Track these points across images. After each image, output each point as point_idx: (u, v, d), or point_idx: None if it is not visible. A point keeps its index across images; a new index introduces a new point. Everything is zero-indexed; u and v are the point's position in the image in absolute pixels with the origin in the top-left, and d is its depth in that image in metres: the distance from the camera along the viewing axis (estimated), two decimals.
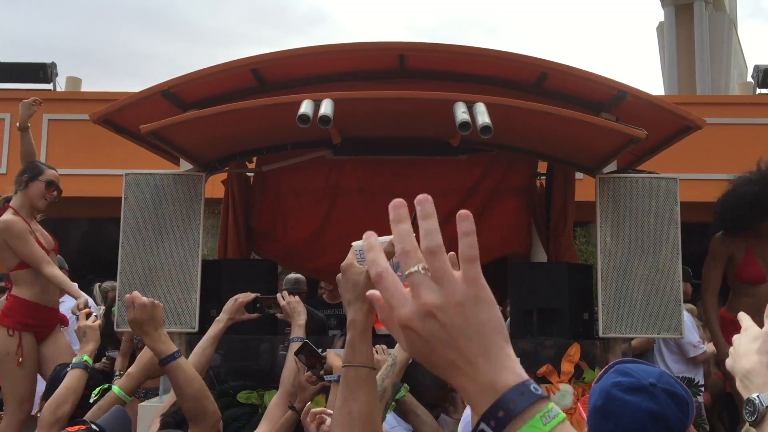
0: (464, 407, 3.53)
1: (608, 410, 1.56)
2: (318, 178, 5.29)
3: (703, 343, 5.27)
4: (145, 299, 2.30)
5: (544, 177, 5.42)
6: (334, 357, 2.95)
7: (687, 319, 5.51)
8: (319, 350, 3.05)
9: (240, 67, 4.03)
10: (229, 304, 3.31)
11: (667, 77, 13.86)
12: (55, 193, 4.52)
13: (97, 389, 2.79)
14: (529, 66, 4.09)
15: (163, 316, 2.38)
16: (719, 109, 9.37)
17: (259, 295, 3.45)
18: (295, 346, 3.16)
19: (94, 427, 2.18)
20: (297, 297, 3.44)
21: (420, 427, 2.95)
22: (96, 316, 3.01)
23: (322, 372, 3.00)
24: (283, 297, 3.42)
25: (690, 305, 5.93)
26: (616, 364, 1.67)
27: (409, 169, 5.32)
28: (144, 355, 2.70)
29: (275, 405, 2.96)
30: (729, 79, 13.41)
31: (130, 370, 2.72)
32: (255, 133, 4.14)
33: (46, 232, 4.60)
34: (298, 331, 3.25)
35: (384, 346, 3.10)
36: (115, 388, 2.66)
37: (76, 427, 2.19)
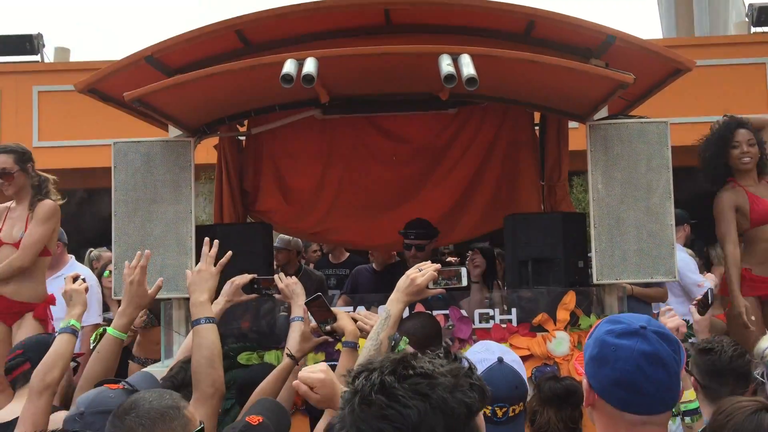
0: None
1: (603, 357, 1.60)
2: (310, 138, 5.27)
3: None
4: (205, 267, 2.62)
5: (538, 127, 5.39)
6: (347, 320, 2.98)
7: (689, 260, 5.54)
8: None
9: (223, 29, 3.98)
10: (226, 287, 3.33)
11: (665, 21, 13.67)
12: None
13: (93, 335, 2.86)
14: (516, 15, 4.03)
15: (213, 285, 2.64)
16: (714, 50, 9.27)
17: (255, 276, 3.46)
18: (297, 326, 3.19)
19: (127, 386, 2.38)
20: (294, 278, 3.44)
21: None
22: (83, 279, 3.01)
23: (328, 328, 3.04)
24: (281, 279, 3.43)
25: (689, 250, 5.96)
26: (608, 317, 1.71)
27: (401, 126, 5.30)
28: (129, 291, 2.74)
29: None
30: (728, 20, 13.23)
31: (120, 308, 2.76)
32: (242, 96, 4.11)
33: (20, 224, 4.43)
34: (298, 311, 3.28)
35: (367, 312, 3.14)
36: (109, 329, 2.70)
37: (115, 386, 2.37)
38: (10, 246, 4.42)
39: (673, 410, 2.37)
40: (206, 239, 2.71)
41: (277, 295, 3.49)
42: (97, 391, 2.31)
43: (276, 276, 3.48)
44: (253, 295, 3.46)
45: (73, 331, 2.79)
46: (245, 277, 3.44)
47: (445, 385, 1.29)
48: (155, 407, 1.95)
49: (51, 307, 4.63)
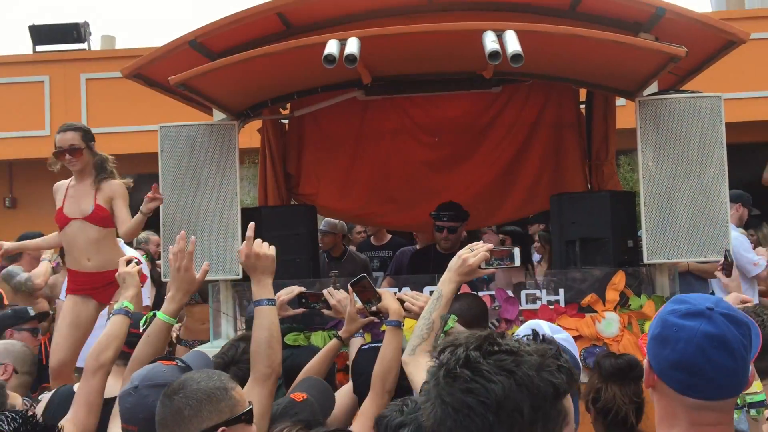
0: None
1: (665, 336, 1.53)
2: (352, 121, 5.26)
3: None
4: (268, 251, 2.63)
5: (584, 105, 5.28)
6: (391, 299, 2.98)
7: (742, 238, 5.38)
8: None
9: (265, 12, 3.97)
10: None
11: None
12: (67, 157, 4.51)
13: (143, 318, 2.88)
14: None
15: (272, 267, 2.64)
16: (765, 23, 8.94)
17: (304, 290, 3.44)
18: (356, 342, 3.19)
19: (180, 363, 2.41)
20: (344, 293, 3.33)
21: None
22: (136, 262, 3.06)
23: (374, 308, 3.05)
24: (331, 294, 3.37)
25: (742, 229, 5.79)
26: (675, 297, 1.64)
27: (444, 105, 5.24)
28: (177, 278, 2.76)
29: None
30: None
31: (169, 294, 2.78)
32: (284, 79, 4.11)
33: (88, 198, 4.50)
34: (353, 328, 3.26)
35: (414, 292, 3.12)
36: (159, 314, 2.73)
37: (169, 362, 2.40)
38: (78, 220, 4.53)
39: (738, 401, 2.28)
40: (251, 224, 2.71)
41: (326, 311, 3.45)
42: (150, 367, 2.35)
43: (325, 291, 3.42)
44: (300, 310, 3.44)
45: (127, 313, 2.84)
46: (293, 291, 3.41)
47: (530, 363, 1.27)
48: (203, 388, 1.97)
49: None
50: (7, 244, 4.88)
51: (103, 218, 4.47)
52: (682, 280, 4.56)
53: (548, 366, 1.30)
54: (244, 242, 2.63)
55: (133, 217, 4.35)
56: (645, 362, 1.61)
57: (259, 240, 2.64)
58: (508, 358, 1.27)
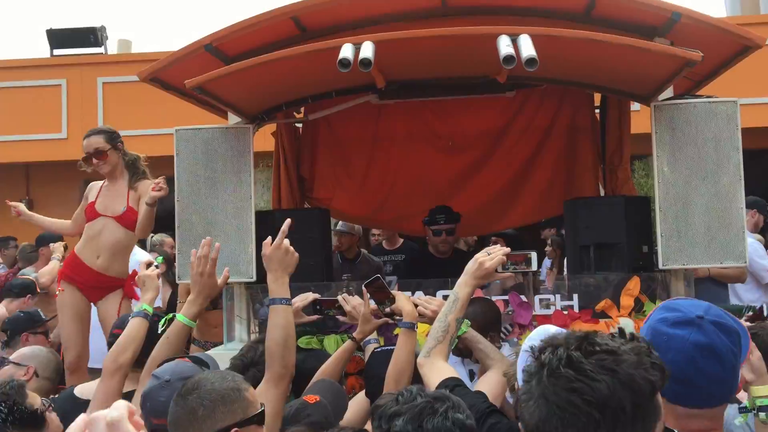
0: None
1: (655, 346, 1.52)
2: (366, 125, 5.27)
3: None
4: (289, 247, 2.64)
5: (598, 110, 5.26)
6: (405, 301, 2.99)
7: (757, 245, 5.34)
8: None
9: (280, 16, 4.00)
10: None
11: None
12: (94, 161, 4.56)
13: (163, 320, 2.90)
14: None
15: (293, 265, 2.66)
16: None
17: (318, 296, 3.44)
18: (370, 348, 3.20)
19: (197, 360, 2.49)
20: (359, 298, 3.35)
21: (484, 359, 2.96)
22: (156, 266, 3.09)
23: (387, 309, 3.05)
24: (346, 300, 3.38)
25: (758, 235, 5.75)
26: (665, 303, 1.64)
27: (458, 110, 5.24)
28: (200, 282, 2.77)
29: None
30: None
31: (190, 297, 2.80)
32: (299, 82, 4.13)
33: (122, 199, 4.58)
34: (371, 334, 3.29)
35: (427, 296, 3.12)
36: (179, 316, 2.76)
37: (186, 360, 2.50)
38: (108, 218, 4.57)
39: (746, 404, 2.26)
40: (287, 220, 2.72)
41: (341, 317, 3.45)
42: (174, 363, 2.40)
43: (340, 297, 3.42)
44: (315, 317, 3.44)
45: (146, 315, 2.88)
46: (307, 298, 3.41)
47: (629, 362, 1.30)
48: (217, 389, 1.98)
49: None
50: (22, 208, 4.98)
51: (133, 221, 4.52)
52: (702, 286, 4.53)
53: (644, 364, 1.33)
54: (278, 235, 2.62)
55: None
56: None
57: (287, 239, 2.65)
58: (609, 357, 1.30)
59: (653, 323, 1.57)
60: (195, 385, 2.00)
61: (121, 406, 0.98)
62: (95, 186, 4.74)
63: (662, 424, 1.40)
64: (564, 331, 1.45)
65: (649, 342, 1.42)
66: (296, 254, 2.66)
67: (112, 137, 4.61)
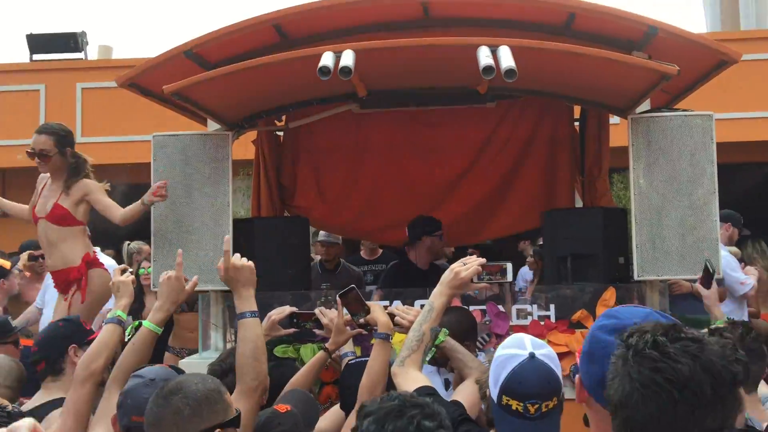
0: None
1: (593, 353, 1.55)
2: (347, 133, 5.27)
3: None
4: (246, 263, 2.64)
5: (578, 122, 5.31)
6: (380, 312, 2.98)
7: (730, 258, 5.39)
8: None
9: (261, 23, 3.99)
10: (264, 322, 3.26)
11: (710, 15, 13.35)
12: (36, 159, 4.51)
13: (129, 328, 2.88)
14: (556, 7, 3.98)
15: (252, 278, 2.64)
16: (761, 44, 9.01)
17: (295, 310, 3.42)
18: (346, 361, 3.18)
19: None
20: (335, 311, 3.28)
21: (462, 368, 2.95)
22: (130, 271, 3.06)
23: (362, 320, 3.04)
24: (323, 313, 3.36)
25: (734, 248, 5.81)
26: (606, 311, 1.65)
27: (439, 120, 5.26)
28: (163, 287, 2.76)
29: None
30: None
31: (157, 304, 2.78)
32: (280, 90, 4.12)
33: (53, 199, 4.49)
34: (347, 347, 3.29)
35: (405, 306, 3.12)
36: (145, 323, 2.73)
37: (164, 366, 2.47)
38: (42, 219, 4.50)
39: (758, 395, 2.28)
40: (226, 237, 2.72)
41: (318, 330, 3.43)
42: (158, 366, 2.42)
43: (317, 310, 3.40)
44: (291, 330, 3.42)
45: (119, 322, 2.84)
46: (283, 311, 3.40)
47: (713, 351, 1.36)
48: (201, 389, 1.98)
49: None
50: None
51: (59, 217, 4.44)
52: (680, 296, 4.56)
53: (728, 356, 1.39)
54: (222, 257, 2.62)
55: (83, 218, 4.39)
56: (577, 378, 1.60)
57: (237, 254, 2.64)
58: (693, 344, 1.36)
59: (593, 330, 1.59)
60: (178, 385, 2.00)
61: (28, 423, 0.96)
62: (40, 183, 4.66)
63: (743, 417, 1.44)
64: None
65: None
66: (250, 265, 2.64)
67: (62, 142, 4.50)
